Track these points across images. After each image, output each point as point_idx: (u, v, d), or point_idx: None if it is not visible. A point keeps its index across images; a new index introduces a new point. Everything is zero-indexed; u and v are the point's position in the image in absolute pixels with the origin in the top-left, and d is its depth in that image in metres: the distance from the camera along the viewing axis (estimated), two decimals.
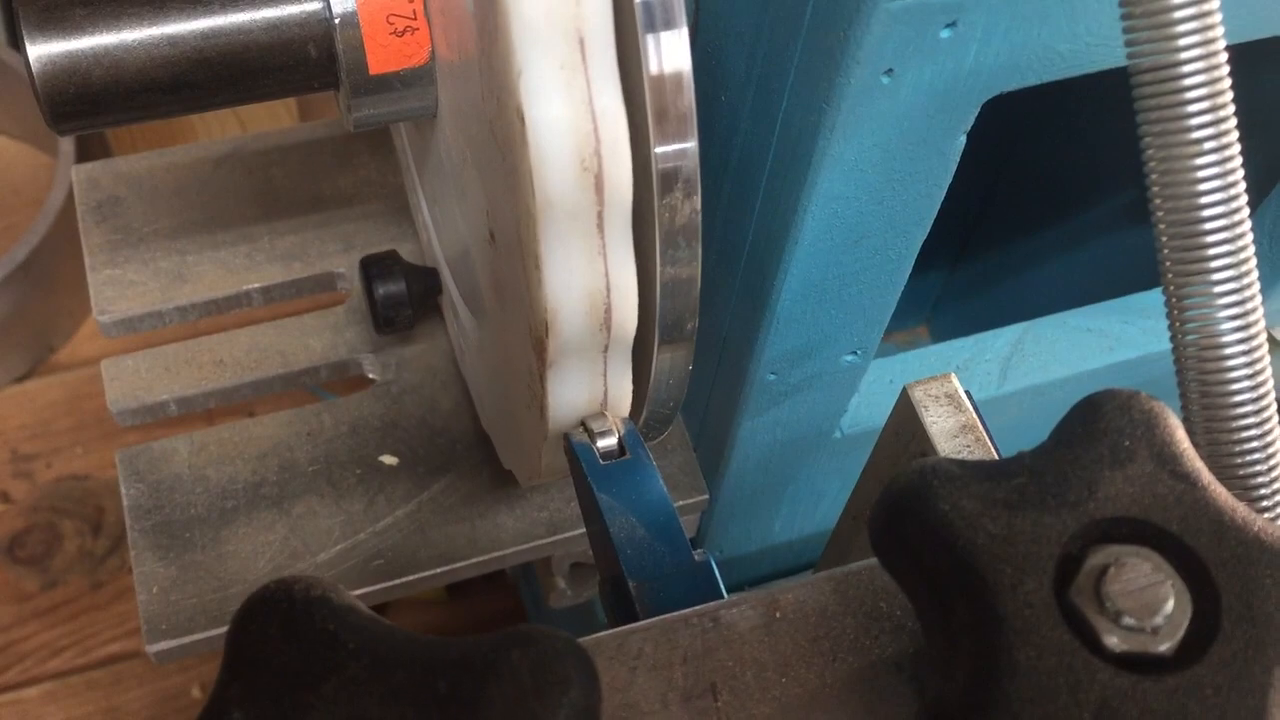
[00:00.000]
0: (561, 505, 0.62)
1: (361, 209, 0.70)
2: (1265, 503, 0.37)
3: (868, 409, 0.61)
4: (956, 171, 0.46)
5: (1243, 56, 0.43)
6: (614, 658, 0.33)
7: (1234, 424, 0.37)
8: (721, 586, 0.39)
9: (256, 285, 0.67)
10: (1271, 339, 0.70)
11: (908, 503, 0.31)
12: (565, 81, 0.37)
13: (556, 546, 0.62)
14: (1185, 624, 0.29)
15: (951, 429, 0.43)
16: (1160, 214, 0.35)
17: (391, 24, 0.45)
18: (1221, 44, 0.33)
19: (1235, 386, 0.37)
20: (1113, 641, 0.29)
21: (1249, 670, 0.28)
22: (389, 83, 0.47)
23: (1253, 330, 0.36)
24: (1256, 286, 0.36)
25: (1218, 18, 0.33)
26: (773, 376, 0.54)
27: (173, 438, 0.62)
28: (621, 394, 0.46)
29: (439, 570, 0.60)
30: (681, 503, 0.63)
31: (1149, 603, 0.29)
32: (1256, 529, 0.30)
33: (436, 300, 0.65)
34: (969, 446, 0.43)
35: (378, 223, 0.70)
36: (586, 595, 0.69)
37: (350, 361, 0.66)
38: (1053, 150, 0.86)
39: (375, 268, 0.62)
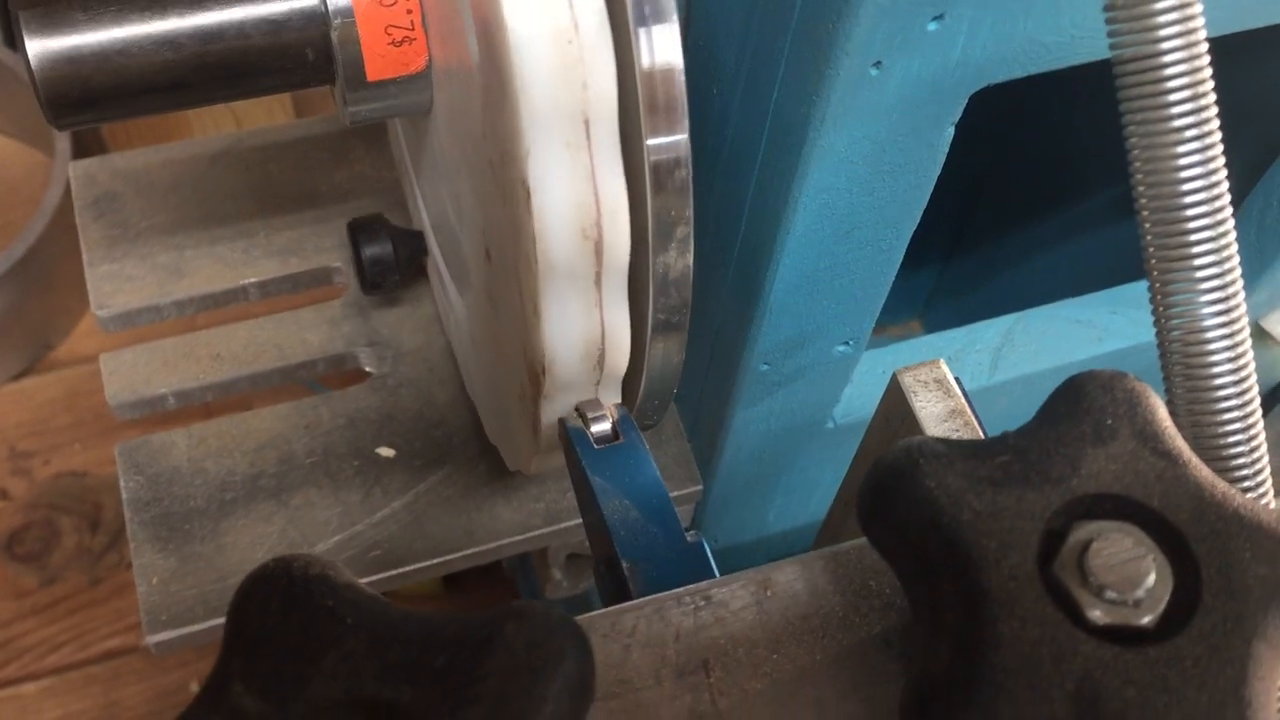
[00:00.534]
0: (557, 496, 0.63)
1: (357, 204, 0.71)
2: (1247, 483, 0.37)
3: (860, 399, 0.62)
4: (948, 167, 0.47)
5: (1230, 50, 0.44)
6: (608, 635, 0.34)
7: (1218, 413, 0.38)
8: (714, 566, 0.39)
9: (253, 280, 0.67)
10: (1258, 329, 0.71)
11: (894, 480, 0.31)
12: (570, 159, 0.39)
13: (552, 537, 0.63)
14: (1166, 597, 0.30)
15: (940, 414, 0.44)
16: (1143, 201, 0.36)
17: (390, 35, 0.46)
18: (1202, 34, 0.34)
19: (1219, 376, 0.38)
20: (1095, 614, 0.30)
21: (1228, 642, 0.29)
22: (386, 87, 0.48)
23: (1234, 315, 0.37)
24: (1238, 272, 0.37)
25: (1199, 8, 0.34)
26: (766, 367, 0.55)
27: (171, 431, 0.63)
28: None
29: (436, 561, 0.61)
30: (676, 493, 0.64)
31: (1131, 576, 0.30)
32: (1236, 505, 0.31)
33: (422, 262, 0.66)
34: (958, 431, 0.44)
35: None
36: (582, 587, 0.69)
37: (347, 355, 0.66)
38: (1043, 146, 0.87)
39: (363, 231, 0.63)
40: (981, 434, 0.44)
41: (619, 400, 0.47)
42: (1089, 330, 0.65)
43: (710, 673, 0.34)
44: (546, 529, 0.62)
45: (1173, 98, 0.34)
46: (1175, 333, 0.38)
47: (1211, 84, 0.34)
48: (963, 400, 0.45)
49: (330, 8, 0.45)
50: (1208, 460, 0.38)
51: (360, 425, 0.64)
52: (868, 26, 0.38)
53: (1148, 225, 0.36)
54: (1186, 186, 0.35)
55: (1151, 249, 0.37)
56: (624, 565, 0.39)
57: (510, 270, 0.44)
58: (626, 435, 0.43)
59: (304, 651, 0.28)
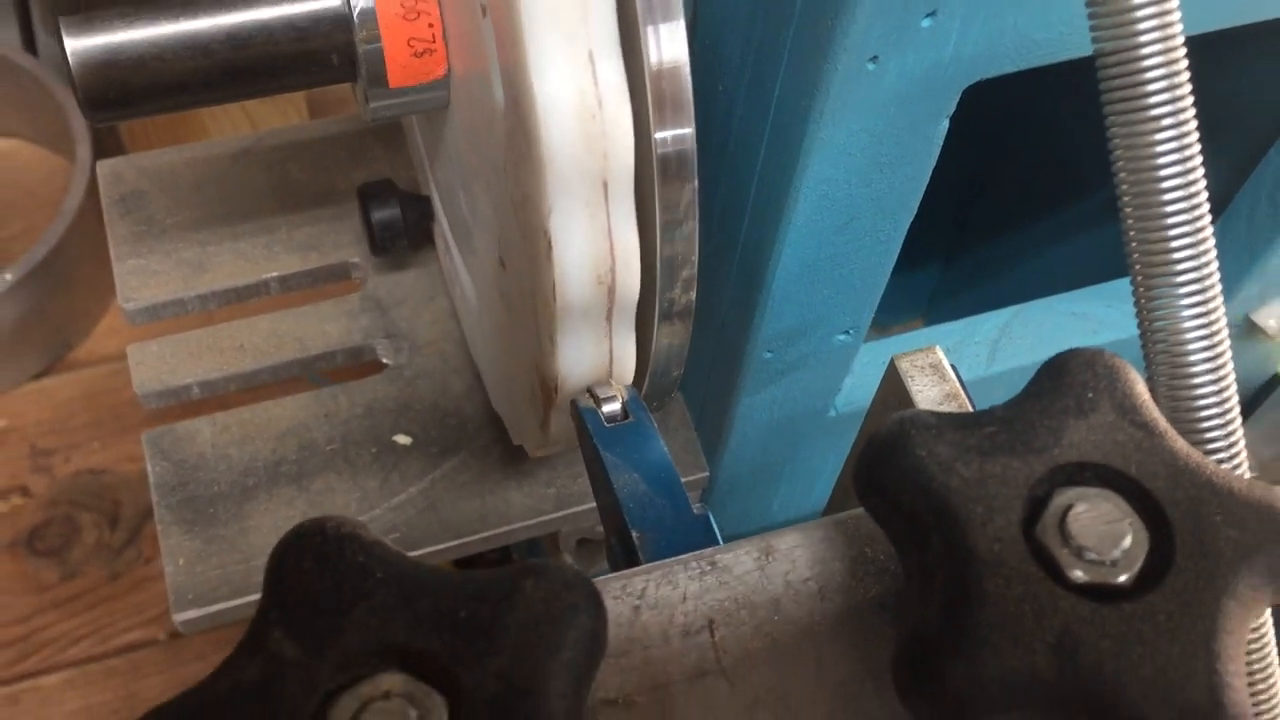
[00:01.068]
0: (568, 482, 0.65)
1: None
2: (1221, 456, 0.39)
3: (861, 389, 0.64)
4: (950, 169, 0.48)
5: (1219, 51, 0.46)
6: (619, 597, 0.36)
7: (1196, 399, 0.39)
8: (719, 536, 0.41)
9: (274, 274, 0.69)
10: (1249, 323, 0.73)
11: (888, 450, 0.33)
12: (589, 216, 0.42)
13: (563, 522, 0.65)
14: (1142, 557, 0.32)
15: (936, 397, 0.46)
16: (1125, 192, 0.38)
17: (412, 47, 0.48)
18: (1179, 29, 0.36)
19: (1198, 367, 0.39)
20: (1075, 573, 0.31)
21: (1200, 598, 0.31)
22: (406, 91, 0.50)
23: (1211, 305, 0.38)
24: (1215, 265, 0.39)
25: (1175, 4, 0.36)
26: (769, 355, 0.57)
27: (196, 419, 0.65)
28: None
29: (451, 544, 0.63)
30: (684, 480, 0.66)
31: (1109, 538, 0.32)
32: (1209, 472, 0.33)
33: (429, 227, 0.68)
34: None
35: None
36: (593, 572, 0.71)
37: (365, 347, 0.69)
38: (1041, 148, 0.89)
39: (372, 195, 0.65)
40: None
41: (629, 383, 0.49)
42: (1084, 323, 0.67)
43: (715, 632, 0.36)
44: (557, 513, 0.64)
45: (1151, 89, 0.36)
46: (1158, 320, 0.39)
47: (1187, 76, 0.36)
48: (957, 384, 0.47)
49: (356, 20, 0.47)
50: (1186, 438, 0.40)
51: (378, 414, 0.66)
52: (864, 23, 0.40)
53: (1130, 220, 0.38)
54: (1164, 174, 0.37)
55: (1132, 236, 0.39)
56: (634, 535, 0.41)
57: (526, 293, 0.47)
58: (635, 415, 0.45)
59: (337, 604, 0.30)
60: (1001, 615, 0.31)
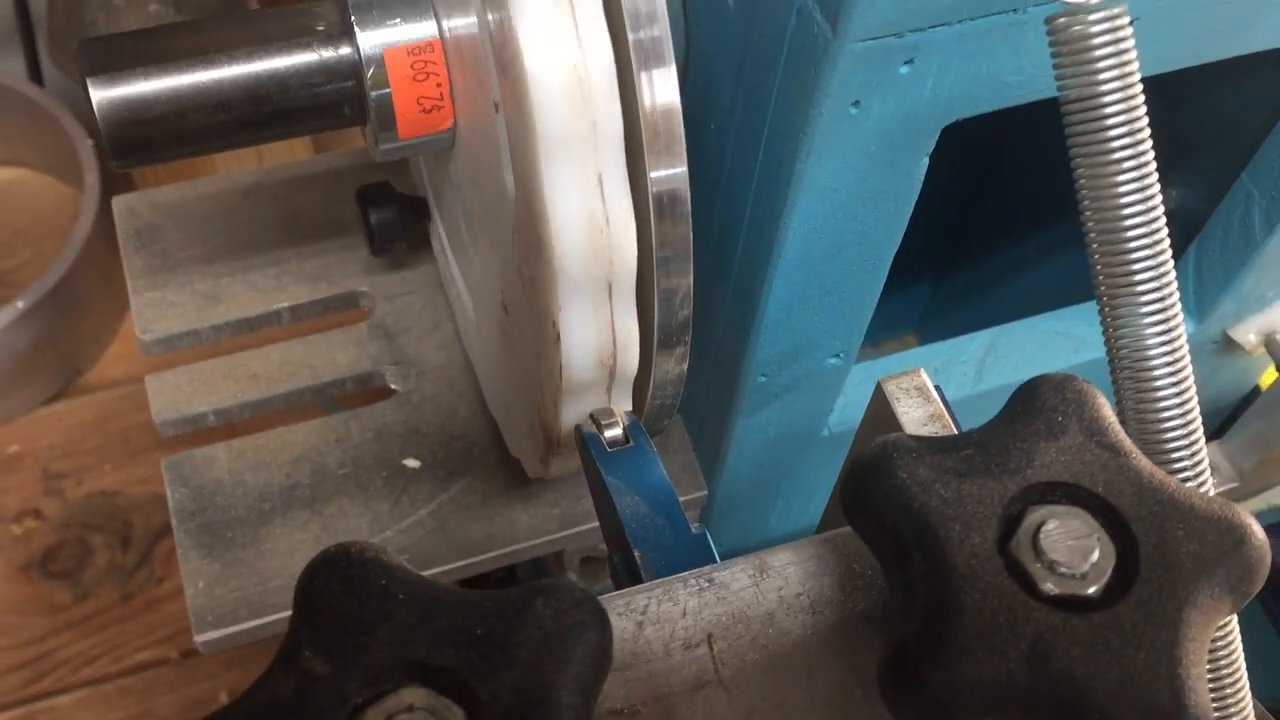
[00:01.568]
0: (572, 502, 0.67)
1: None
2: (1186, 474, 0.42)
3: (853, 409, 0.66)
4: (939, 193, 0.51)
5: (1190, 82, 0.48)
6: (623, 613, 0.38)
7: (1161, 419, 0.42)
8: (716, 555, 0.44)
9: (286, 304, 0.72)
10: (1227, 339, 0.75)
11: (871, 473, 0.35)
12: (594, 311, 0.45)
13: (568, 541, 0.67)
14: (1109, 570, 0.34)
15: (921, 418, 0.48)
16: (1090, 226, 0.41)
17: (421, 104, 0.51)
18: (1137, 76, 0.38)
19: (1162, 387, 0.42)
20: (1047, 586, 0.34)
21: (1163, 607, 0.33)
22: (414, 139, 0.53)
23: (1173, 331, 0.41)
24: (1176, 293, 0.41)
25: (1133, 52, 0.38)
26: (763, 378, 0.59)
27: (212, 445, 0.67)
28: None
29: (459, 564, 0.65)
30: (682, 499, 0.68)
31: (1078, 553, 0.34)
32: (1171, 490, 0.35)
33: (426, 228, 0.71)
34: (936, 433, 0.48)
35: None
36: (597, 588, 0.74)
37: (374, 374, 0.71)
38: (1025, 173, 0.92)
39: (371, 196, 0.67)
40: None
41: (629, 408, 0.52)
42: (1066, 341, 0.70)
43: (714, 645, 0.38)
44: (561, 533, 0.66)
45: (1112, 132, 0.39)
46: (1124, 345, 0.42)
47: (1146, 120, 0.39)
48: (941, 405, 0.50)
49: (368, 82, 0.49)
50: (1153, 456, 0.42)
51: (387, 438, 0.68)
52: (846, 71, 0.43)
53: (1096, 255, 0.41)
54: (1127, 211, 0.39)
55: (1099, 270, 0.41)
56: (636, 554, 0.43)
57: (530, 355, 0.51)
58: (636, 439, 0.48)
59: (362, 624, 0.32)
60: (979, 626, 0.33)
